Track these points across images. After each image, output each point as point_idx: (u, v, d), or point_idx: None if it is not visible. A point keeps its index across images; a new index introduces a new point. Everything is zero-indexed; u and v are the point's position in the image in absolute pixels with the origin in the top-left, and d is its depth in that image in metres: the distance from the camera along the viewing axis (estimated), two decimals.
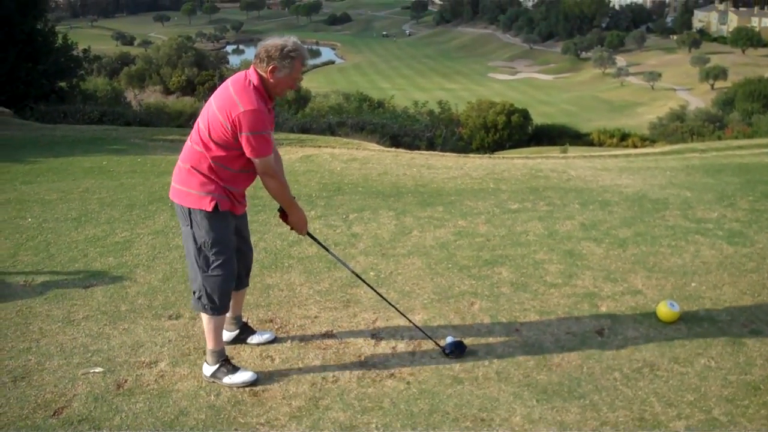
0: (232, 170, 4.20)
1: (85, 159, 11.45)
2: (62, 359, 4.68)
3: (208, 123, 4.11)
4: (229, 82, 4.19)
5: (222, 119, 4.04)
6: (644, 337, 4.93)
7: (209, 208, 4.18)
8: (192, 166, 4.19)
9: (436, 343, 4.74)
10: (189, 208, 4.22)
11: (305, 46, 4.22)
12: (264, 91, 4.13)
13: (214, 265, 4.27)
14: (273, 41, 4.12)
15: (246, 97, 4.03)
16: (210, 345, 4.43)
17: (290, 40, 4.13)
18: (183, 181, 4.25)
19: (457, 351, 4.69)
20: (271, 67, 4.06)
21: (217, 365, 4.41)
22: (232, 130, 4.03)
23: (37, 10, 21.90)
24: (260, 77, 4.12)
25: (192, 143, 4.21)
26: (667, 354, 4.71)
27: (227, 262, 4.30)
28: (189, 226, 4.26)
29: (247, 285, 4.83)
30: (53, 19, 26.27)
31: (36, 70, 20.85)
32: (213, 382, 4.40)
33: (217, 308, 4.35)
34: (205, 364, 4.48)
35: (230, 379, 4.38)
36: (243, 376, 4.40)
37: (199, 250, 4.26)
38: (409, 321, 4.91)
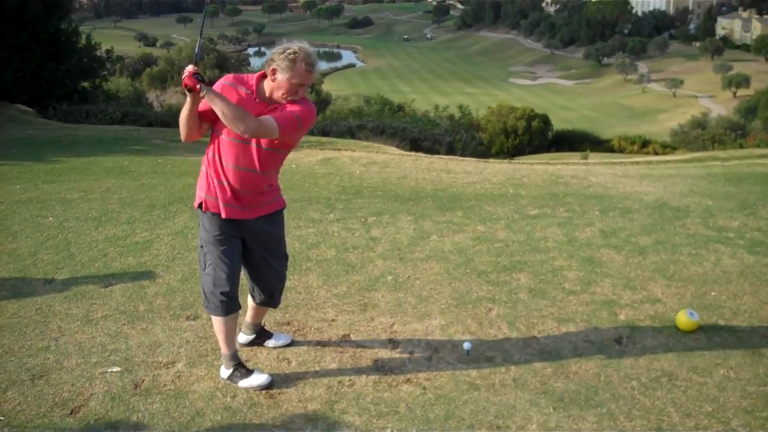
0: (210, 151, 4.19)
1: (107, 159, 11.52)
2: (80, 358, 4.71)
3: None
4: None
5: None
6: (663, 347, 4.90)
7: (195, 205, 4.25)
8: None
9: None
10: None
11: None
12: (255, 83, 4.11)
13: (206, 264, 4.27)
14: (281, 46, 4.09)
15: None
16: (222, 349, 4.45)
17: (297, 44, 4.04)
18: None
19: None
20: (271, 68, 4.02)
21: (232, 369, 4.42)
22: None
23: (62, 10, 22.06)
24: (263, 75, 4.11)
25: None
26: (686, 364, 4.67)
27: (215, 266, 4.24)
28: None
29: (271, 305, 4.74)
30: (77, 20, 26.44)
31: (59, 70, 21.00)
32: (229, 384, 4.41)
33: (211, 308, 4.32)
34: (222, 366, 4.50)
35: (245, 383, 4.38)
36: (258, 379, 4.40)
37: (200, 247, 4.32)
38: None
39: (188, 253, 6.62)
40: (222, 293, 4.24)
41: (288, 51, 3.99)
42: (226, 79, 4.11)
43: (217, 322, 4.37)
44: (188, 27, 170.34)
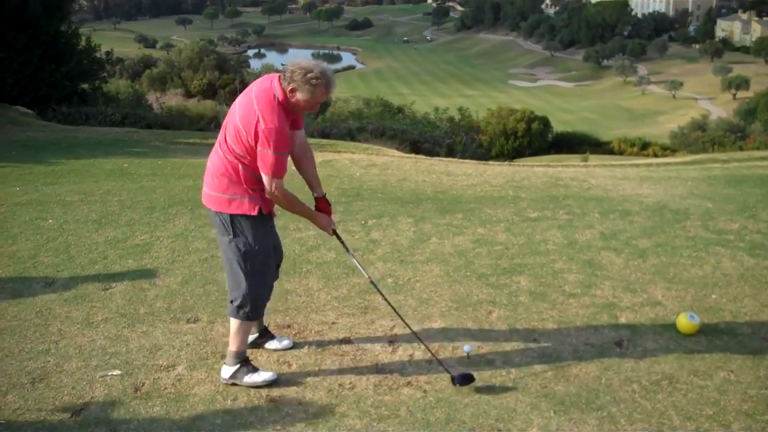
0: (258, 176, 4.21)
1: (107, 161, 11.51)
2: (81, 361, 4.71)
3: (235, 135, 4.13)
4: (253, 93, 4.16)
5: (244, 134, 4.07)
6: (663, 349, 4.90)
7: (254, 212, 4.23)
8: (226, 174, 4.21)
9: (446, 369, 4.57)
10: (231, 215, 4.25)
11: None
12: (287, 105, 4.14)
13: (262, 271, 4.34)
14: (303, 63, 4.10)
15: (270, 113, 4.04)
16: (234, 347, 4.44)
17: (319, 66, 4.09)
18: (223, 188, 4.25)
19: (465, 382, 4.48)
20: (291, 87, 4.07)
21: (237, 365, 4.42)
22: (255, 141, 4.06)
23: (62, 12, 22.04)
24: (284, 93, 4.13)
25: (222, 152, 4.22)
26: (687, 367, 4.67)
27: (270, 268, 4.41)
28: (231, 234, 4.28)
29: (278, 276, 4.83)
30: (77, 21, 26.40)
31: (59, 72, 20.96)
32: (232, 383, 4.40)
33: (256, 315, 4.44)
34: (224, 366, 4.48)
35: (251, 378, 4.40)
36: (263, 375, 4.43)
37: (245, 256, 4.28)
38: (424, 345, 4.88)
39: (188, 255, 6.62)
40: (269, 295, 4.48)
41: (310, 76, 4.05)
42: (282, 123, 4.07)
43: (246, 325, 4.43)
44: (188, 29, 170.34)
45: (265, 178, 4.14)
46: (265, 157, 4.05)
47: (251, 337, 4.84)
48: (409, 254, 6.71)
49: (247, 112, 4.09)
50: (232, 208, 4.24)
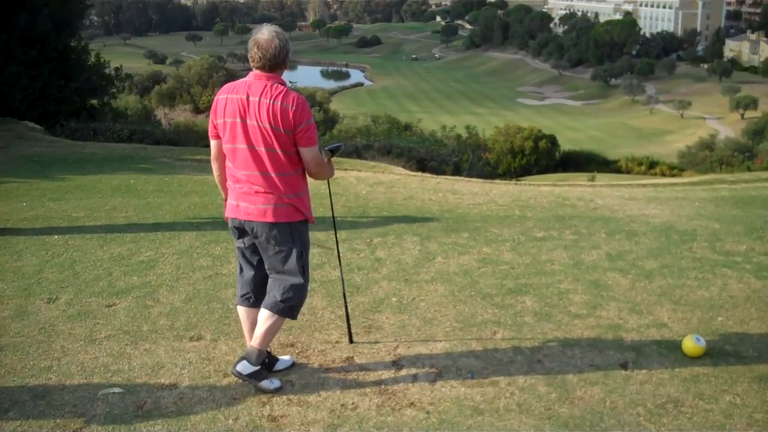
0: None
1: (113, 177, 11.54)
2: (82, 378, 4.69)
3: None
4: None
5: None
6: (669, 372, 4.86)
7: (311, 220, 4.63)
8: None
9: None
10: (292, 222, 4.50)
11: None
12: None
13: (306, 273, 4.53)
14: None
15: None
16: (263, 345, 4.45)
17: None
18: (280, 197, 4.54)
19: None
20: None
21: (259, 366, 4.42)
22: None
23: (72, 28, 22.17)
24: None
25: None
26: (692, 390, 4.63)
27: None
28: (289, 242, 4.46)
29: None
30: (86, 37, 26.54)
31: (68, 88, 21.05)
32: (245, 381, 4.42)
33: (296, 313, 4.58)
34: (244, 362, 4.41)
35: (265, 384, 4.45)
36: (274, 383, 4.50)
37: (300, 258, 4.46)
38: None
39: (193, 273, 6.61)
40: None
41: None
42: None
43: (281, 324, 4.54)
44: (198, 45, 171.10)
45: None
46: None
47: (254, 369, 4.69)
48: (414, 273, 6.69)
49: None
50: (292, 216, 4.54)
